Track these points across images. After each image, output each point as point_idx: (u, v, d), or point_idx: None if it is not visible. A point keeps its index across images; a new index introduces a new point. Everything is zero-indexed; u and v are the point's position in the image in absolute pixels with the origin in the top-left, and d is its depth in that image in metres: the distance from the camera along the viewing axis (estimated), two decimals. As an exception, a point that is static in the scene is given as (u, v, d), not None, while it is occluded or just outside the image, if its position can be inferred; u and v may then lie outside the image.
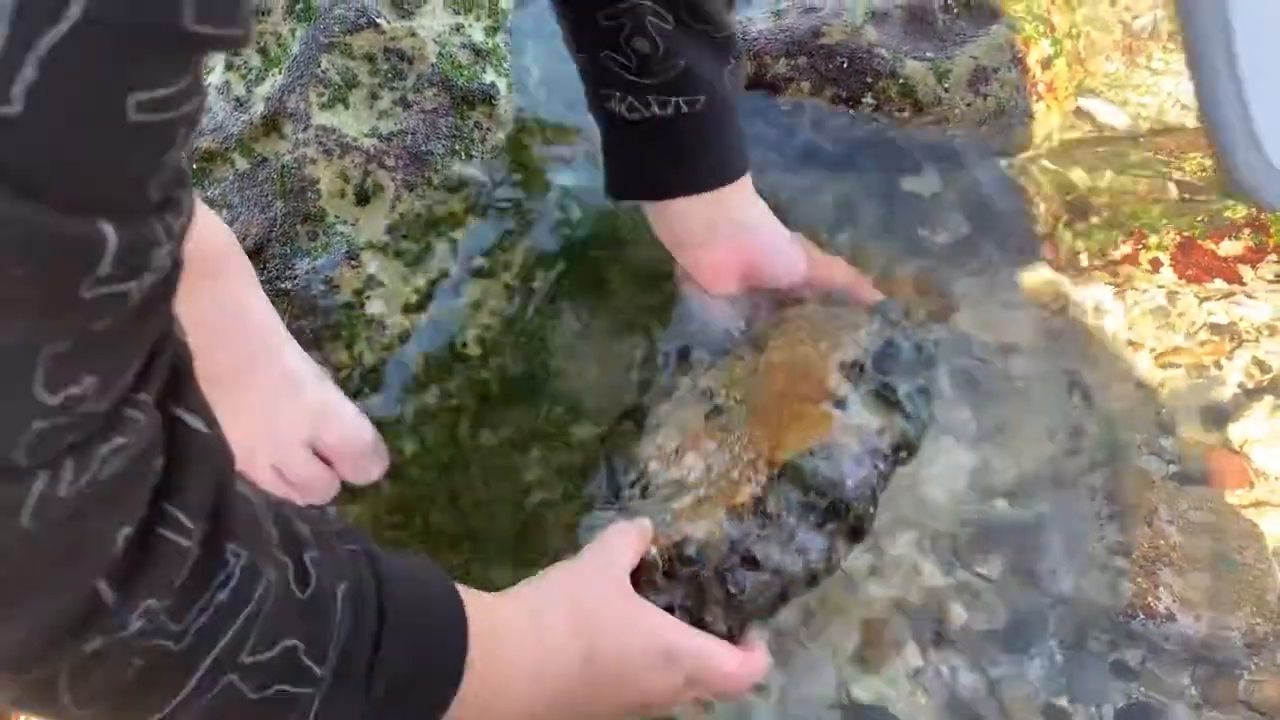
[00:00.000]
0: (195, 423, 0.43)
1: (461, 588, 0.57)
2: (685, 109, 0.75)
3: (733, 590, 0.67)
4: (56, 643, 0.39)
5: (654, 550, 0.68)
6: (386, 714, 0.51)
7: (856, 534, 0.70)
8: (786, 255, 0.81)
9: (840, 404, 0.72)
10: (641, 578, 0.67)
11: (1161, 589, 0.77)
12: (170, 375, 0.42)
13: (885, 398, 0.73)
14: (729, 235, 0.80)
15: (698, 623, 0.67)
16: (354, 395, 0.82)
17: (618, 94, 0.75)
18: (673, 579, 0.67)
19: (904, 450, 0.71)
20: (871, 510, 0.70)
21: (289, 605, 0.46)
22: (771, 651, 0.74)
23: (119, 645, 0.40)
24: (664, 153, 0.78)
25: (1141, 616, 0.76)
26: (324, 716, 0.48)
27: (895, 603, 0.77)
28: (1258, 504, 0.80)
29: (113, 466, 0.37)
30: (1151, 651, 0.75)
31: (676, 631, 0.64)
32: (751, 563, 0.67)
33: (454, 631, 0.55)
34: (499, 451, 0.82)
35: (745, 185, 0.80)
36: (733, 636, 0.67)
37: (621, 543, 0.66)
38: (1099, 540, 0.79)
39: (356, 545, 0.52)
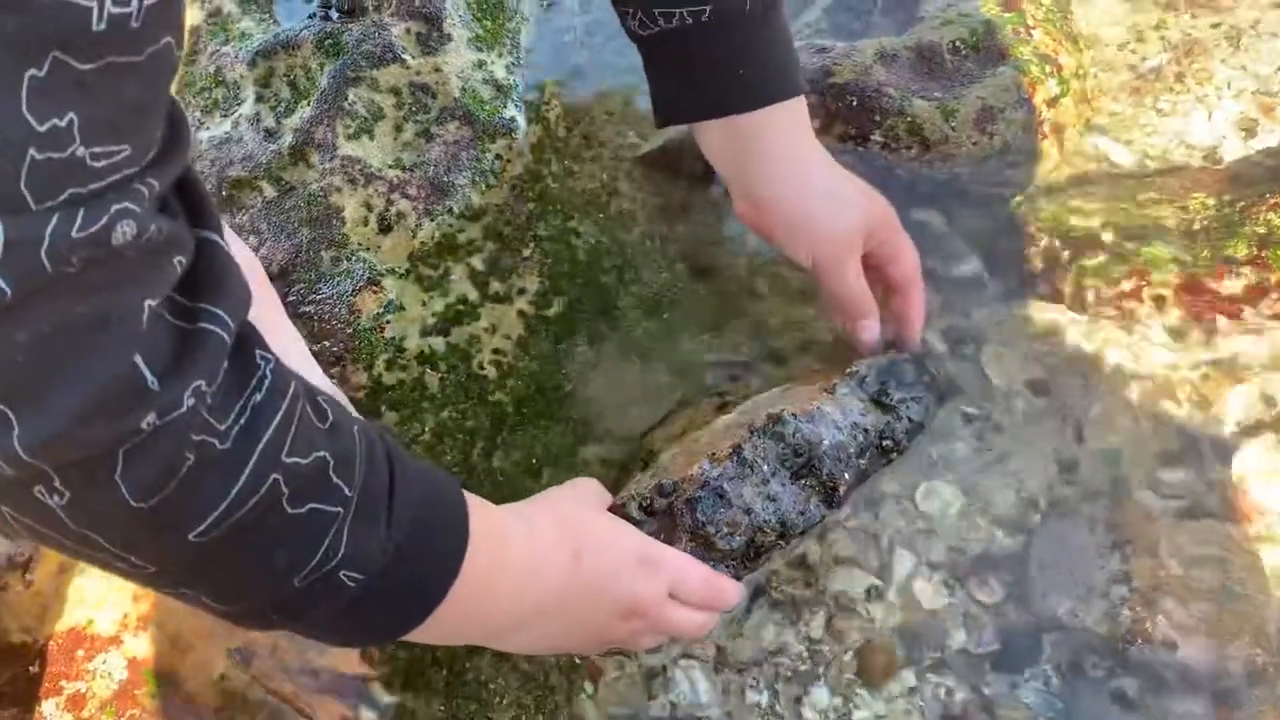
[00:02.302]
0: (222, 243, 0.44)
1: (471, 497, 0.59)
2: (689, 20, 0.72)
3: (702, 519, 0.71)
4: (105, 412, 0.39)
5: (635, 491, 0.73)
6: (402, 564, 0.52)
7: (830, 498, 0.74)
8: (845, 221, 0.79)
9: (831, 391, 0.77)
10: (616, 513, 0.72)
11: (1161, 618, 0.77)
12: (194, 199, 0.43)
13: (878, 400, 0.78)
14: (762, 180, 0.79)
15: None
16: (372, 415, 0.85)
17: (630, 9, 0.74)
18: (650, 514, 0.72)
19: (890, 441, 0.77)
20: (847, 477, 0.74)
21: (314, 427, 0.48)
22: (767, 673, 0.76)
23: (174, 426, 0.41)
24: (672, 72, 0.76)
25: (1140, 644, 0.77)
26: (349, 544, 0.49)
27: (892, 625, 0.78)
28: (1259, 538, 0.81)
29: (126, 234, 0.37)
30: (1151, 680, 0.76)
31: (654, 542, 0.69)
32: (722, 497, 0.71)
33: (457, 506, 0.57)
34: (512, 473, 0.84)
35: (779, 119, 0.76)
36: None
37: (588, 483, 0.73)
38: (1099, 570, 0.80)
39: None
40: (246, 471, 0.44)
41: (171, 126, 0.41)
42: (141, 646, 0.76)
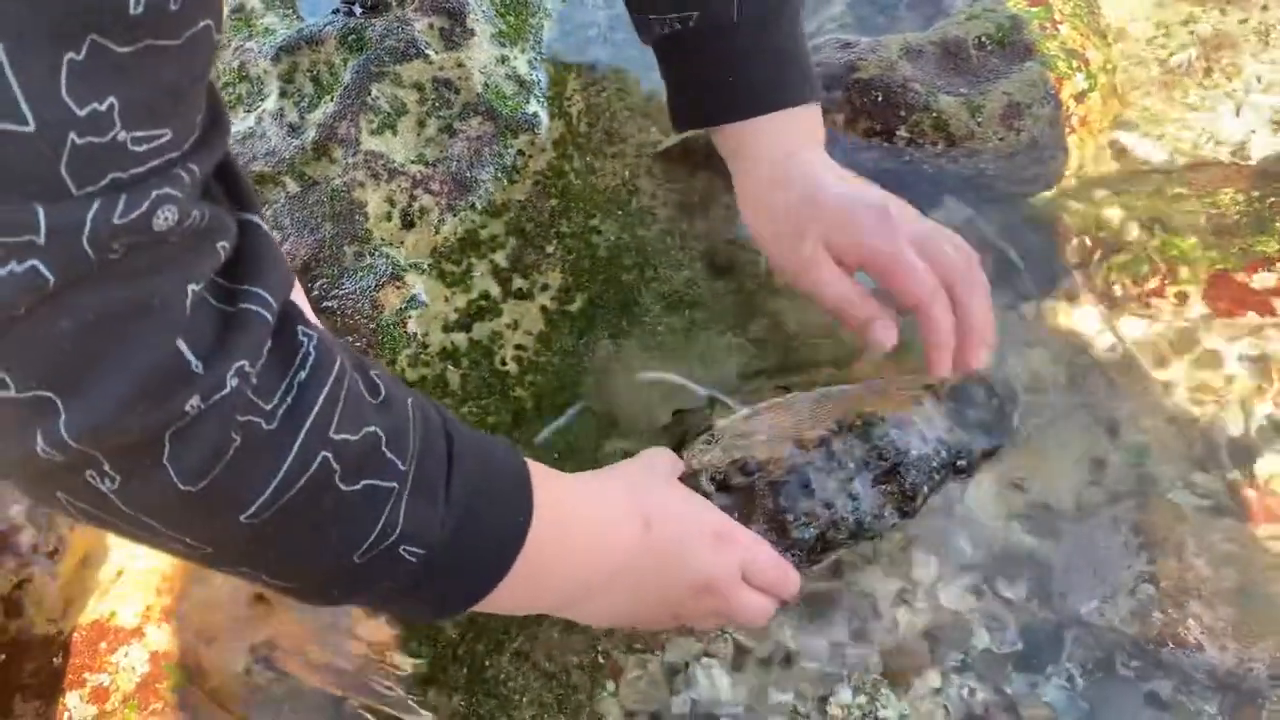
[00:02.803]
0: (263, 226, 0.45)
1: (533, 463, 0.59)
2: (678, 27, 0.71)
3: (784, 504, 0.69)
4: (149, 396, 0.39)
5: (706, 461, 0.71)
6: (464, 537, 0.52)
7: (906, 507, 0.72)
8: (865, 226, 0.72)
9: (918, 401, 0.74)
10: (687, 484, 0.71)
11: (1191, 620, 0.76)
12: (235, 183, 0.44)
13: (956, 415, 0.76)
14: (755, 200, 0.75)
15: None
16: (394, 410, 0.84)
17: (632, 14, 0.74)
18: (726, 490, 0.70)
19: (964, 462, 0.74)
20: (925, 490, 0.72)
21: (364, 402, 0.47)
22: (792, 671, 0.75)
23: (218, 408, 0.41)
24: (671, 78, 0.75)
25: (1172, 646, 0.76)
26: (407, 519, 0.49)
27: (918, 625, 0.77)
28: (1286, 538, 0.80)
29: (168, 219, 0.37)
30: (1183, 682, 0.75)
31: (728, 518, 0.66)
32: (806, 487, 0.69)
33: (518, 474, 0.56)
34: (532, 469, 0.84)
35: (770, 127, 0.73)
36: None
37: (658, 455, 0.70)
38: (1126, 569, 0.79)
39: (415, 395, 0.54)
40: (294, 450, 0.44)
41: (212, 111, 0.41)
42: (164, 639, 0.77)
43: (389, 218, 0.91)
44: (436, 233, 0.91)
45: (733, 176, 0.78)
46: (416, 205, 0.91)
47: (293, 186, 0.92)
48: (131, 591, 0.79)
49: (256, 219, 0.44)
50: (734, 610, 0.67)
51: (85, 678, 0.76)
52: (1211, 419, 0.85)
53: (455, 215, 0.92)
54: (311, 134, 0.93)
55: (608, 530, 0.62)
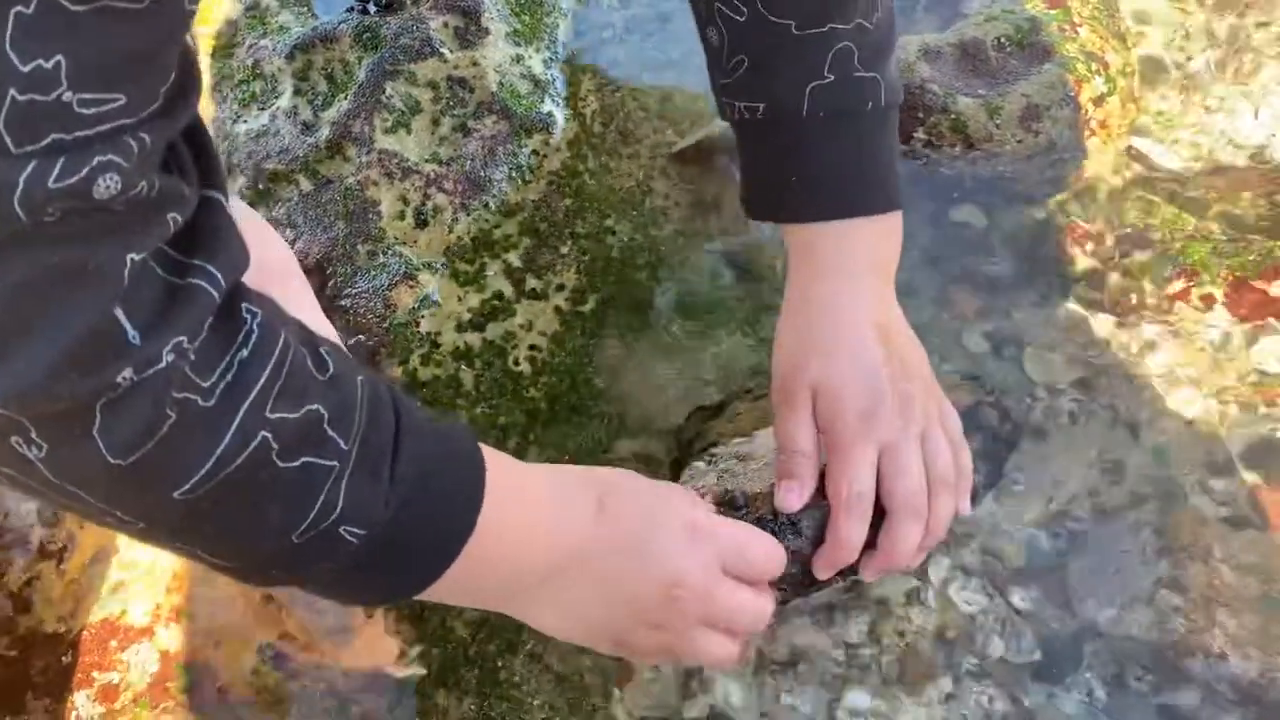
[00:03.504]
0: (226, 204, 0.43)
1: (489, 449, 0.56)
2: (746, 115, 0.65)
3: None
4: (81, 364, 0.38)
5: (699, 487, 0.70)
6: (407, 522, 0.50)
7: None
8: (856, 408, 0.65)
9: None
10: None
11: (1216, 629, 0.75)
12: (204, 158, 0.42)
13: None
14: (792, 310, 0.69)
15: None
16: (406, 410, 0.84)
17: (713, 86, 0.68)
18: None
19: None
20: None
21: (310, 378, 0.46)
22: (804, 676, 0.74)
23: (152, 382, 0.40)
24: (742, 163, 0.70)
25: (1194, 655, 0.75)
26: (347, 498, 0.47)
27: (931, 630, 0.76)
28: (1309, 546, 0.79)
29: (109, 187, 0.36)
30: (1206, 693, 0.74)
31: (705, 508, 0.62)
32: (794, 525, 0.68)
33: (470, 456, 0.54)
34: (545, 470, 0.83)
35: (827, 240, 0.66)
36: None
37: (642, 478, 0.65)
38: (1147, 577, 0.78)
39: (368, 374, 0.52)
40: (232, 429, 0.43)
41: (181, 82, 0.39)
42: (174, 638, 0.76)
43: (402, 216, 0.90)
44: (450, 232, 0.91)
45: (789, 287, 0.71)
46: (430, 204, 0.91)
47: (306, 185, 0.92)
48: (141, 590, 0.78)
49: (219, 196, 0.43)
50: (718, 614, 0.61)
51: (94, 676, 0.76)
52: (1233, 423, 0.84)
53: (469, 214, 0.91)
54: (325, 132, 0.92)
55: (559, 512, 0.58)
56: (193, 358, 0.41)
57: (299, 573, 0.50)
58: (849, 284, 0.67)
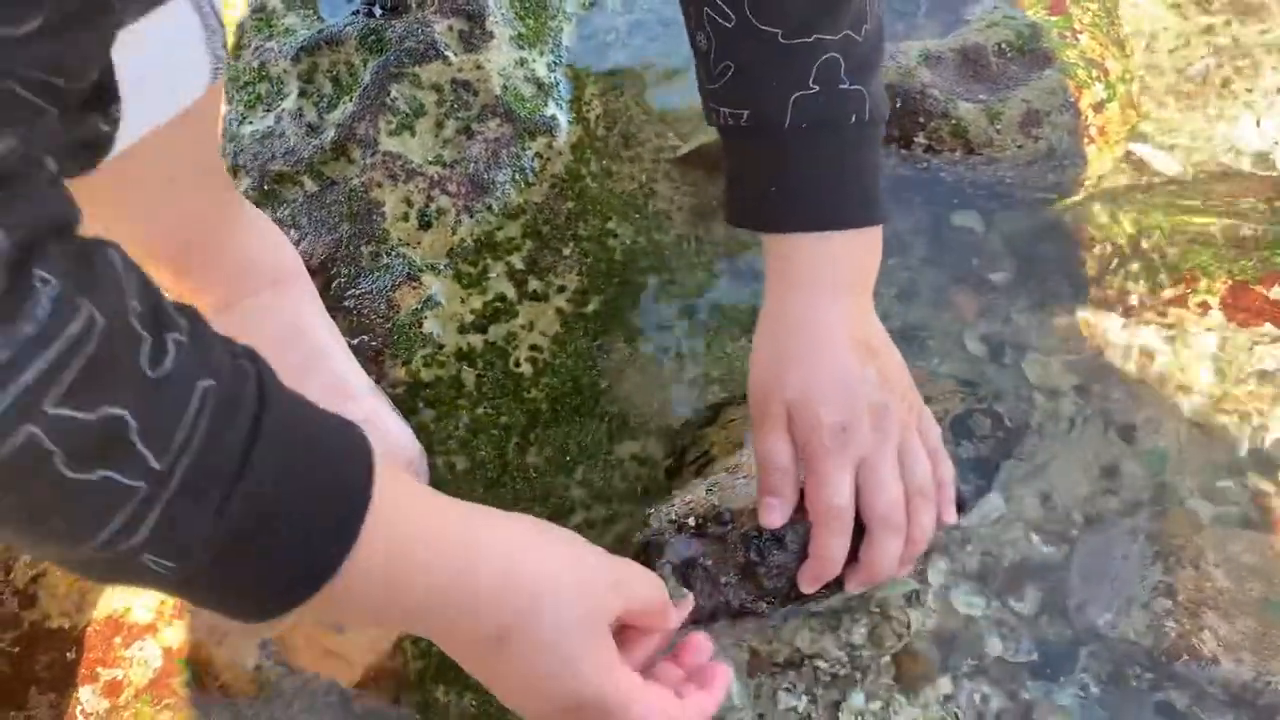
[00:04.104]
0: (48, 163, 0.38)
1: (393, 471, 0.48)
2: (730, 122, 0.64)
3: (754, 558, 0.69)
4: None
5: (690, 500, 0.71)
6: (233, 563, 0.43)
7: None
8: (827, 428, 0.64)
9: None
10: (660, 545, 0.71)
11: (1206, 632, 0.76)
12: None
13: (949, 454, 0.75)
14: (769, 324, 0.67)
15: (714, 583, 0.70)
16: (409, 411, 0.85)
17: (700, 92, 0.67)
18: (702, 537, 0.70)
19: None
20: None
21: (126, 374, 0.39)
22: (805, 676, 0.75)
23: None
24: (726, 166, 0.68)
25: (1186, 658, 0.75)
26: (156, 528, 0.40)
27: (930, 632, 0.77)
28: (1305, 551, 0.79)
29: None
30: (1196, 695, 0.74)
31: (608, 682, 0.52)
32: (779, 541, 0.69)
33: (350, 494, 0.45)
34: (545, 470, 0.84)
35: (805, 251, 0.65)
36: (744, 610, 0.70)
37: (636, 584, 0.56)
38: (1141, 580, 0.79)
39: (252, 364, 0.44)
40: None
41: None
42: (177, 636, 0.77)
43: (406, 218, 0.91)
44: (453, 234, 0.91)
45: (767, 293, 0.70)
46: (434, 206, 0.91)
47: (311, 186, 0.93)
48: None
49: (46, 158, 0.37)
50: None
51: (99, 672, 0.76)
52: (1232, 429, 0.84)
53: (472, 217, 0.92)
54: (330, 134, 0.93)
55: (449, 625, 0.50)
56: None
57: (119, 581, 0.44)
58: (825, 299, 0.66)
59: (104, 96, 0.44)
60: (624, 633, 0.57)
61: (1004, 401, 0.86)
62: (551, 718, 0.53)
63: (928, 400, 0.73)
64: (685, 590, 0.69)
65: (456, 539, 0.50)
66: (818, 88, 0.61)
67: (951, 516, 0.69)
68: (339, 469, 0.46)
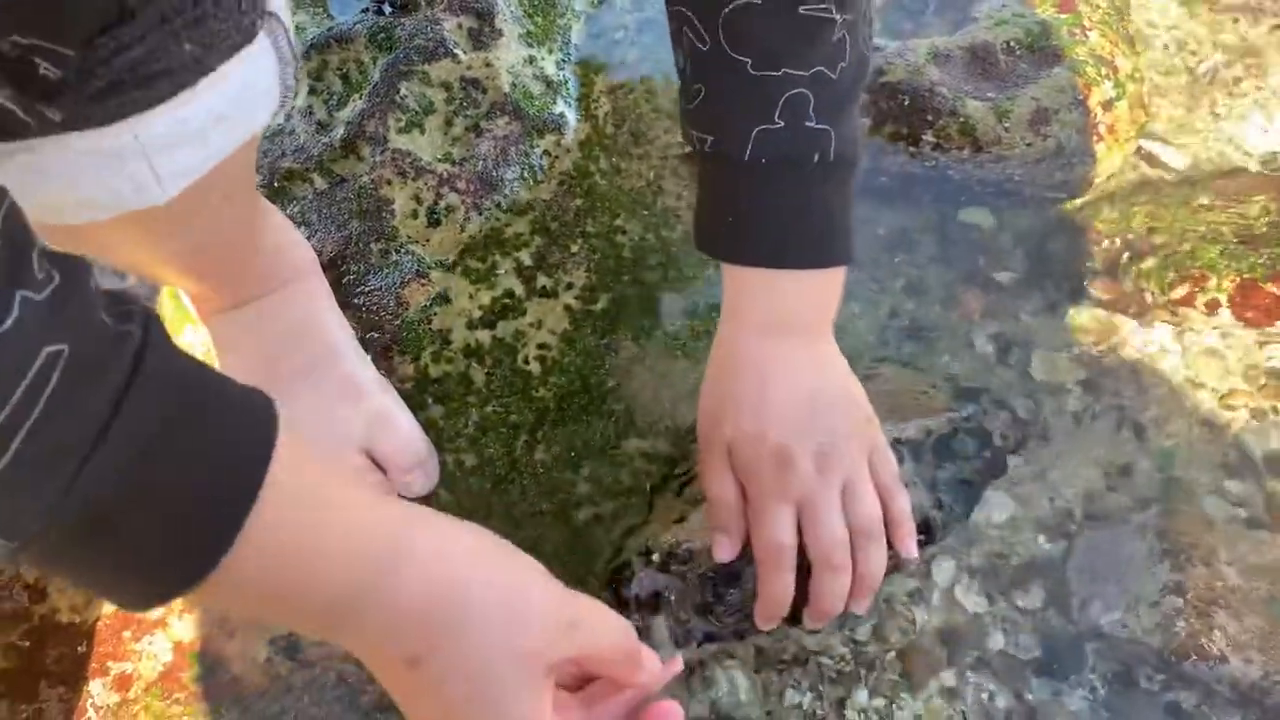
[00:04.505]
0: None
1: (309, 453, 0.43)
2: (698, 145, 0.63)
3: (709, 598, 0.71)
4: None
5: (662, 538, 0.73)
6: (113, 539, 0.39)
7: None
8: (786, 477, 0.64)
9: None
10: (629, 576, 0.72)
11: (1216, 631, 0.76)
12: None
13: (928, 476, 0.76)
14: (719, 360, 0.67)
15: (676, 619, 0.71)
16: (418, 407, 0.85)
17: (680, 109, 0.65)
18: (665, 572, 0.72)
19: (923, 535, 0.72)
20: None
21: None
22: (810, 672, 0.75)
23: None
24: (698, 188, 0.66)
25: (1194, 658, 0.75)
26: None
27: (934, 628, 0.77)
28: (1315, 550, 0.79)
29: None
30: (1205, 695, 0.74)
31: (547, 685, 0.47)
32: (733, 579, 0.71)
33: (244, 462, 0.41)
34: (552, 467, 0.84)
35: (757, 285, 0.63)
36: (710, 638, 0.72)
37: (599, 627, 0.50)
38: (1149, 578, 0.78)
39: (141, 329, 0.39)
40: None
41: None
42: (187, 629, 0.77)
43: (415, 215, 0.91)
44: (462, 231, 0.92)
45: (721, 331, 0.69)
46: (443, 203, 0.91)
47: (320, 183, 0.93)
48: (155, 581, 0.79)
49: None
50: None
51: (109, 665, 0.77)
52: (1242, 427, 0.84)
53: (481, 214, 0.92)
54: (340, 131, 0.93)
55: (364, 624, 0.45)
56: None
57: None
58: (773, 338, 0.65)
59: (26, 78, 0.42)
60: (591, 685, 0.53)
61: (1011, 400, 0.86)
62: None
63: (918, 416, 0.75)
64: (668, 642, 0.71)
65: (383, 535, 0.45)
66: (782, 123, 0.59)
67: (911, 551, 0.68)
68: (231, 442, 0.41)
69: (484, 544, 0.48)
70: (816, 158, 0.60)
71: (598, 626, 0.50)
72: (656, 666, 0.54)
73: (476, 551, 0.47)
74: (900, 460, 0.72)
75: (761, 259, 0.63)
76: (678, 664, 0.56)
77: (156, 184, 0.50)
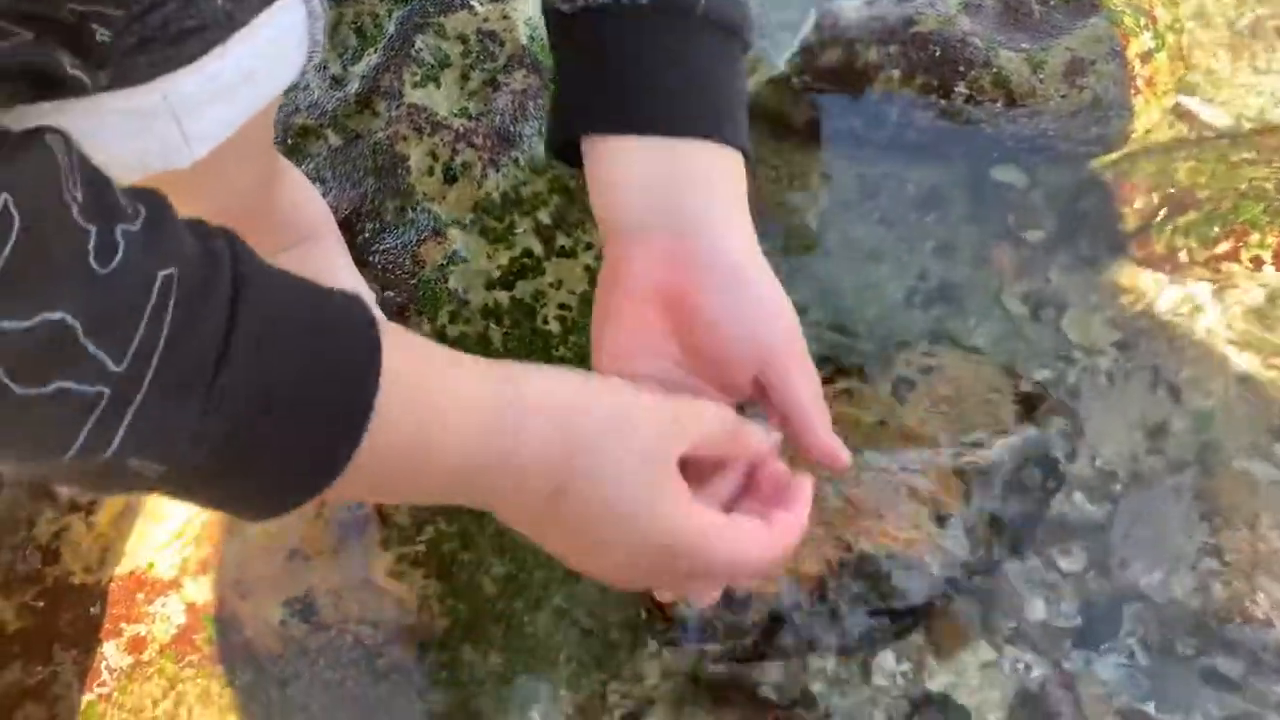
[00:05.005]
0: None
1: (412, 338, 0.45)
2: (564, 6, 0.52)
3: (762, 648, 0.72)
4: None
5: None
6: (233, 454, 0.40)
7: (901, 633, 0.73)
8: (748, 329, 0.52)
9: (942, 521, 0.72)
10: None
11: (1260, 594, 0.73)
12: None
13: (990, 523, 0.73)
14: (661, 225, 0.52)
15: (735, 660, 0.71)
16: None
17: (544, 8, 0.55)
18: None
19: (979, 577, 0.73)
20: (927, 618, 0.72)
21: (63, 273, 0.35)
22: (836, 635, 0.73)
23: None
24: (591, 67, 0.53)
25: (1239, 622, 0.73)
26: (131, 432, 0.37)
27: (969, 592, 0.75)
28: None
29: None
30: (1250, 661, 0.72)
31: (685, 520, 0.48)
32: (788, 622, 0.71)
33: (356, 358, 0.42)
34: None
35: (725, 169, 0.52)
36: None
37: (700, 416, 0.50)
38: (1188, 541, 0.76)
39: (228, 245, 0.40)
40: None
41: None
42: (201, 591, 0.76)
43: (431, 172, 0.89)
44: (479, 188, 0.89)
45: (649, 211, 0.53)
46: (459, 160, 0.89)
47: (335, 139, 0.91)
48: (169, 543, 0.78)
49: None
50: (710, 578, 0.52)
51: (123, 627, 0.75)
52: (1281, 387, 0.82)
53: (498, 171, 0.90)
54: (355, 86, 0.91)
55: (496, 477, 0.46)
56: None
57: (107, 490, 0.41)
58: (750, 233, 0.54)
59: (82, 42, 0.42)
60: (697, 469, 0.51)
61: (1041, 362, 0.83)
62: (623, 572, 0.50)
63: (987, 429, 0.74)
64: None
65: (497, 398, 0.45)
66: None
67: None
68: (339, 341, 0.42)
69: (576, 374, 0.49)
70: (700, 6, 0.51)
71: (700, 415, 0.51)
72: (762, 435, 0.53)
73: (575, 381, 0.49)
74: (967, 495, 0.72)
75: (729, 133, 0.52)
76: (778, 435, 0.54)
77: (185, 144, 0.49)
